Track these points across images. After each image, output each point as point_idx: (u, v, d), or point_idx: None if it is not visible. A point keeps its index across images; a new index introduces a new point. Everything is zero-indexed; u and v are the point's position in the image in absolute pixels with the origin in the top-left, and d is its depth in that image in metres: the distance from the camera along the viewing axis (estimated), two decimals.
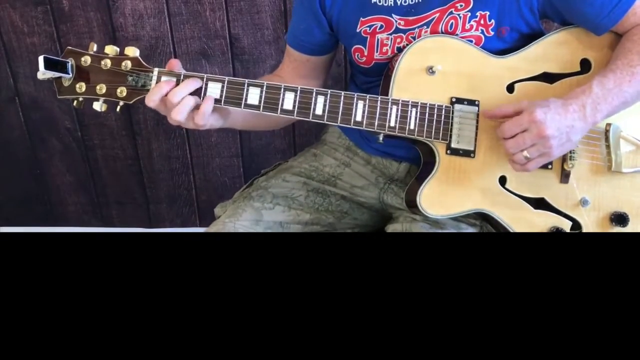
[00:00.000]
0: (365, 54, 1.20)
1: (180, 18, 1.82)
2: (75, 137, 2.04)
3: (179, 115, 1.06)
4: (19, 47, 1.89)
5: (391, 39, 1.17)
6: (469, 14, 1.12)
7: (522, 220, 1.13)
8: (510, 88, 1.13)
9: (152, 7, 1.81)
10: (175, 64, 1.10)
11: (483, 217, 1.17)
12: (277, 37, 1.83)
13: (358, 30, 1.19)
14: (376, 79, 1.20)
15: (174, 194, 2.14)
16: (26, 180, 2.15)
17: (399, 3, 1.15)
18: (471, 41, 1.13)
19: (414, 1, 1.14)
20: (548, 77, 1.13)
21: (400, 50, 1.16)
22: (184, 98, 1.06)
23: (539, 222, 1.14)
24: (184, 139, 2.02)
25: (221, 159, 2.05)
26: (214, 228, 1.26)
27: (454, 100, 1.12)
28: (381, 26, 1.17)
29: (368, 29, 1.18)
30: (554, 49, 1.13)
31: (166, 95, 1.07)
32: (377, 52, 1.19)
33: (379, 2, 1.16)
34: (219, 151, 2.03)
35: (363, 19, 1.18)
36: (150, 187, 2.13)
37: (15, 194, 2.18)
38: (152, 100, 1.07)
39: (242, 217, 1.23)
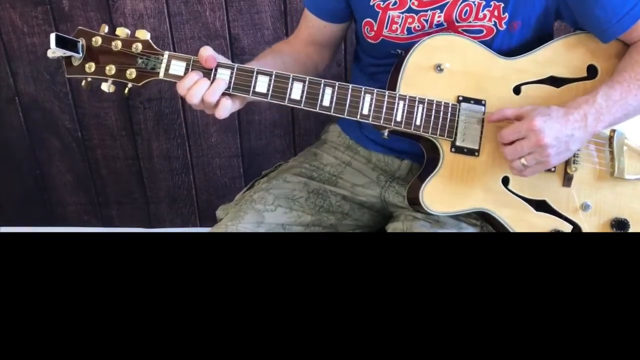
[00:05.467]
0: (375, 28, 1.20)
1: (180, 18, 1.82)
2: (75, 137, 2.04)
3: (223, 113, 1.08)
4: (19, 47, 1.89)
5: (402, 17, 1.17)
6: (484, 2, 1.12)
7: (523, 221, 1.13)
8: (517, 90, 1.13)
9: (152, 7, 1.81)
10: (208, 53, 1.09)
11: (484, 216, 1.17)
12: (277, 37, 1.83)
13: (372, 4, 1.19)
14: (380, 61, 1.20)
15: (174, 194, 2.14)
16: (26, 180, 2.14)
17: None
18: (482, 31, 1.13)
19: None
20: (555, 81, 1.13)
21: (410, 31, 1.16)
22: (220, 98, 1.08)
23: (540, 224, 1.14)
24: (184, 139, 2.02)
25: (221, 159, 2.05)
26: (217, 231, 1.26)
27: (460, 99, 1.12)
28: (395, 3, 1.17)
29: (381, 3, 1.18)
30: (562, 53, 1.13)
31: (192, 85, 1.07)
32: (386, 28, 1.19)
33: None
34: (219, 151, 2.03)
35: None
36: (150, 187, 2.13)
37: (15, 194, 2.18)
38: (192, 95, 1.07)
39: (244, 219, 1.23)
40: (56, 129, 2.03)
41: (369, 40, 1.22)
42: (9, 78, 1.95)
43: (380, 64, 1.22)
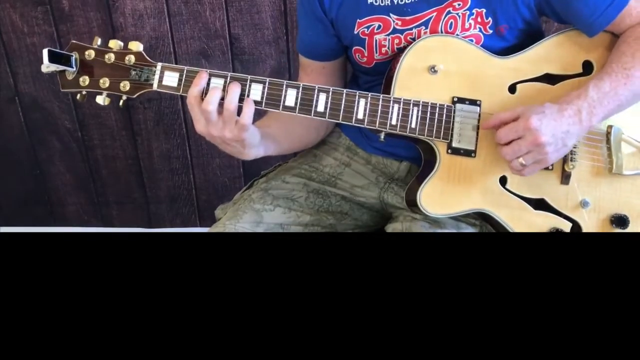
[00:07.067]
0: (365, 55, 1.20)
1: (180, 18, 1.82)
2: (75, 137, 2.04)
3: (248, 119, 1.05)
4: (19, 47, 1.89)
5: (389, 39, 1.17)
6: (467, 12, 1.12)
7: (522, 220, 1.13)
8: (512, 88, 1.13)
9: (152, 7, 1.81)
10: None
11: (483, 217, 1.17)
12: (277, 37, 1.83)
13: (356, 32, 1.19)
14: (379, 77, 1.20)
15: (174, 194, 2.14)
16: (26, 180, 2.15)
17: (395, 2, 1.14)
18: (472, 40, 1.13)
19: (410, 0, 1.14)
20: (550, 79, 1.13)
21: (400, 50, 1.16)
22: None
23: (539, 222, 1.14)
24: (184, 139, 2.02)
25: (221, 159, 2.05)
26: (215, 230, 1.26)
27: (455, 99, 1.12)
28: (379, 26, 1.17)
29: (366, 30, 1.18)
30: (556, 50, 1.13)
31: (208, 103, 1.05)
32: (376, 53, 1.19)
33: (375, 2, 1.16)
34: (219, 151, 2.00)
35: (360, 20, 1.18)
36: (150, 187, 2.13)
37: (15, 194, 2.18)
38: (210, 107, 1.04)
39: (243, 219, 1.23)
40: (56, 129, 2.03)
41: (363, 65, 1.23)
42: (9, 78, 1.95)
43: (378, 79, 1.22)
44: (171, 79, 1.08)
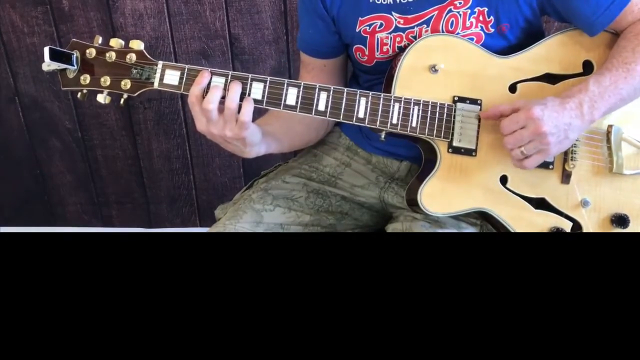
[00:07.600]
0: (366, 53, 1.20)
1: (180, 18, 1.82)
2: (75, 137, 2.04)
3: (247, 117, 1.05)
4: (19, 47, 1.89)
5: (391, 38, 1.17)
6: (469, 10, 1.12)
7: (523, 220, 1.13)
8: (512, 88, 1.13)
9: (152, 7, 1.81)
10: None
11: (483, 216, 1.17)
12: (277, 37, 1.83)
13: (357, 30, 1.19)
14: (379, 76, 1.20)
15: (174, 194, 2.14)
16: (26, 180, 2.15)
17: (398, 1, 1.14)
18: (472, 39, 1.13)
19: None
20: (550, 78, 1.13)
21: (401, 49, 1.16)
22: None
23: (540, 222, 1.14)
24: (184, 139, 2.02)
25: (221, 159, 2.05)
26: (215, 230, 1.26)
27: (456, 99, 1.12)
28: (381, 24, 1.17)
29: (368, 28, 1.18)
30: (556, 50, 1.13)
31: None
32: (377, 51, 1.19)
33: (378, 0, 1.16)
34: (219, 151, 2.03)
35: (362, 19, 1.18)
36: (150, 187, 2.13)
37: (15, 194, 2.18)
38: (211, 105, 1.04)
39: (243, 219, 1.23)
40: (56, 129, 2.03)
41: (364, 64, 1.23)
42: (9, 78, 1.95)
43: (378, 78, 1.22)
44: (172, 77, 1.08)
